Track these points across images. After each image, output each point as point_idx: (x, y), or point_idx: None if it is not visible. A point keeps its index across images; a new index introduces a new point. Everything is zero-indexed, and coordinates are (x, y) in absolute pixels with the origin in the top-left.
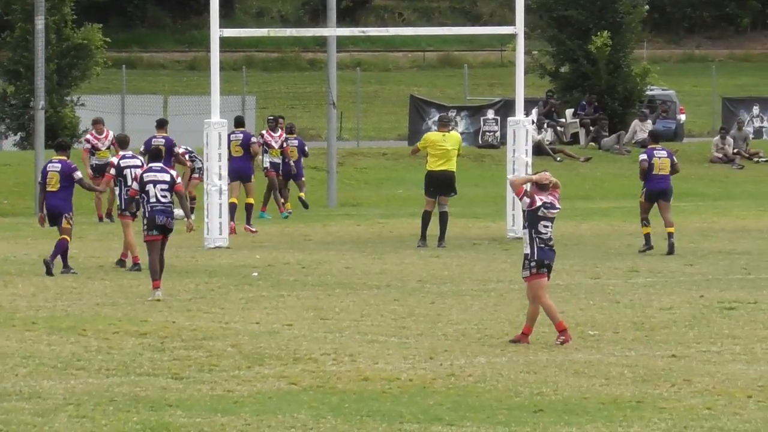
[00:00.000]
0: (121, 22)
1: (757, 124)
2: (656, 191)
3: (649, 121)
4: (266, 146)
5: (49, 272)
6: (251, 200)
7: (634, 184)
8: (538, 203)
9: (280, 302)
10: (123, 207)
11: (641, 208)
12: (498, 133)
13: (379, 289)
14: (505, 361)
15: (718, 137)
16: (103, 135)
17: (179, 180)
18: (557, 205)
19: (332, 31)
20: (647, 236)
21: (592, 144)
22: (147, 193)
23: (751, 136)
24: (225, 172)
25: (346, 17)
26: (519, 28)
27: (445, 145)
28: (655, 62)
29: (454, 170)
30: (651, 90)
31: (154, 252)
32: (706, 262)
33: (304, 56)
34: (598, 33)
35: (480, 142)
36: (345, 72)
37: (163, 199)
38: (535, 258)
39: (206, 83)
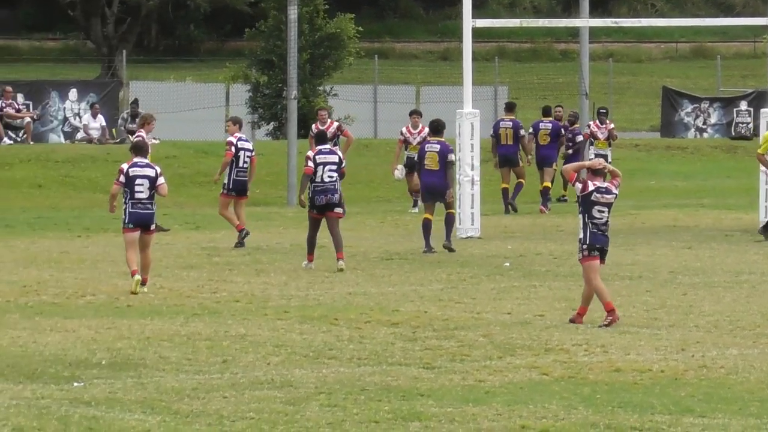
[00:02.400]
0: (373, 13)
1: None
2: None
3: None
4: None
5: (451, 249)
6: (548, 184)
7: None
8: (591, 188)
9: (531, 293)
10: (230, 187)
11: None
12: (750, 125)
13: (631, 280)
14: (757, 353)
15: None
16: (326, 126)
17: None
18: (613, 191)
19: (585, 22)
20: None
21: None
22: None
23: None
24: (477, 162)
25: (598, 8)
26: None
27: None
28: None
29: None
30: None
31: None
32: None
33: (557, 47)
34: None
35: (732, 133)
36: (597, 63)
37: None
38: (587, 242)
39: (458, 73)
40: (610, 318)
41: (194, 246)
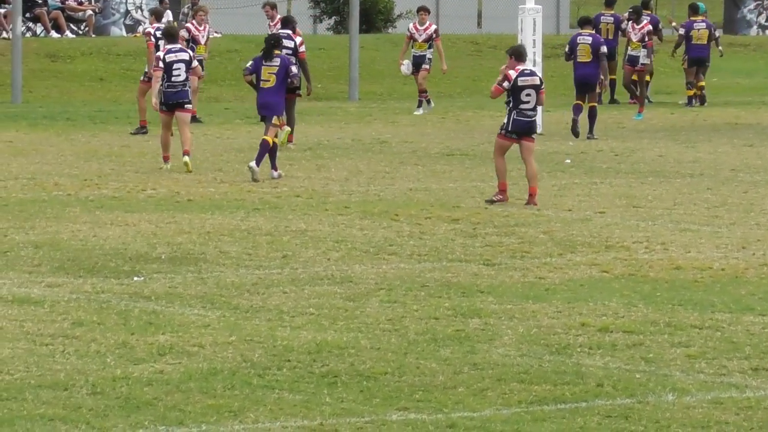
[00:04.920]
0: None
1: None
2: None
3: None
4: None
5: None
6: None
7: None
8: (514, 75)
9: (592, 189)
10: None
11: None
12: None
13: (692, 177)
14: None
15: None
16: (274, 21)
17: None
18: (536, 73)
19: None
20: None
21: None
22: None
23: None
24: (539, 59)
25: None
26: None
27: None
28: None
29: None
30: None
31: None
32: None
33: None
34: None
35: None
36: None
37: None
38: (509, 128)
39: None
40: (500, 197)
41: (255, 140)
